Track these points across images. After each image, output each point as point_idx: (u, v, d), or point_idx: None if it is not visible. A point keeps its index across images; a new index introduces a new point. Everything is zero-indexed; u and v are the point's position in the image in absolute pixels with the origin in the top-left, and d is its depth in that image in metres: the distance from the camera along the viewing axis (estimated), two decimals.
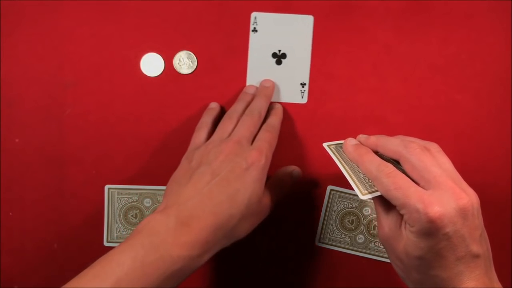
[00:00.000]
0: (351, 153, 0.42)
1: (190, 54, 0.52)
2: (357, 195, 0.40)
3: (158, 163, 0.53)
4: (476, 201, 0.37)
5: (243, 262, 0.54)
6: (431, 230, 0.35)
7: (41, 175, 0.53)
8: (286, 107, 0.52)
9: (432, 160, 0.38)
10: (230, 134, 0.46)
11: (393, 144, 0.40)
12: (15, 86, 0.52)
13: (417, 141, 0.40)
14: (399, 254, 0.38)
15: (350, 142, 0.43)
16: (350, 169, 0.42)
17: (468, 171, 0.53)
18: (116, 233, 0.54)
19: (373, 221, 0.53)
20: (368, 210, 0.53)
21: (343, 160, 0.43)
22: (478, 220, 0.36)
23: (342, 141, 0.45)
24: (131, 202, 0.53)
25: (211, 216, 0.40)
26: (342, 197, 0.53)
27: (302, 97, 0.52)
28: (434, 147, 0.40)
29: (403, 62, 0.52)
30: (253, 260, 0.54)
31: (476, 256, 0.36)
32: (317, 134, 0.52)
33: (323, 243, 0.54)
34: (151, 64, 0.52)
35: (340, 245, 0.54)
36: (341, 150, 0.45)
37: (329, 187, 0.53)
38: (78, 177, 0.53)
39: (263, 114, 0.48)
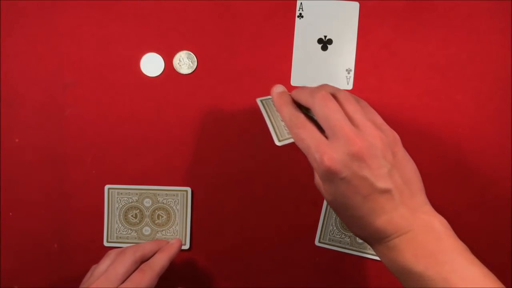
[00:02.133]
0: (275, 100, 0.43)
1: (190, 54, 0.52)
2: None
3: (158, 163, 0.53)
4: (381, 142, 0.38)
5: (243, 262, 0.54)
6: (330, 176, 0.37)
7: (41, 175, 0.53)
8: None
9: (334, 108, 0.39)
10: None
11: (304, 94, 0.41)
12: (15, 86, 0.52)
13: (325, 89, 0.41)
14: (325, 199, 0.41)
15: (277, 89, 0.44)
16: (274, 119, 0.43)
17: (468, 171, 0.53)
18: (116, 233, 0.54)
19: None
20: None
21: (270, 111, 0.44)
22: (384, 159, 0.38)
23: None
24: (131, 202, 0.53)
25: None
26: None
27: (348, 83, 0.52)
28: (342, 93, 0.40)
29: (403, 62, 0.52)
30: (253, 260, 0.54)
31: (385, 191, 0.37)
32: None
33: (323, 243, 0.54)
34: (151, 64, 0.52)
35: (340, 245, 0.54)
36: (271, 103, 0.45)
37: None
38: (78, 177, 0.53)
39: (158, 270, 0.46)
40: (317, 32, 0.52)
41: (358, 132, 0.38)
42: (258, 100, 0.45)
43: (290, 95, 0.43)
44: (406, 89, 0.52)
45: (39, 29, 0.52)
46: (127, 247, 0.47)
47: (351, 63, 0.52)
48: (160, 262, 0.46)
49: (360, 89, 0.52)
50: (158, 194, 0.53)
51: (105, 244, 0.54)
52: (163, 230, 0.54)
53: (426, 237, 0.37)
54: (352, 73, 0.52)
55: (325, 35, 0.52)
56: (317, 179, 0.40)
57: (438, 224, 0.38)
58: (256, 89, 0.52)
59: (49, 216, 0.53)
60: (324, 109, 0.39)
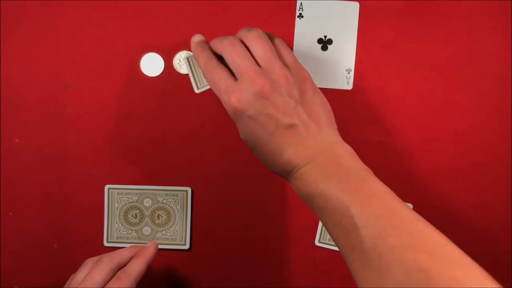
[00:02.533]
0: (192, 49, 0.45)
1: (190, 54, 0.52)
2: None
3: (158, 163, 0.53)
4: (285, 80, 0.40)
5: (243, 262, 0.54)
6: (238, 116, 0.40)
7: (41, 175, 0.53)
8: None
9: (239, 51, 0.41)
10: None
11: (216, 42, 0.43)
12: (15, 86, 0.52)
13: (237, 34, 0.43)
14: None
15: (195, 38, 0.46)
16: (195, 69, 0.46)
17: (468, 171, 0.53)
18: (116, 233, 0.54)
19: None
20: None
21: (193, 64, 0.47)
22: (289, 96, 0.40)
23: None
24: (131, 202, 0.53)
25: None
26: None
27: (348, 83, 0.52)
28: (251, 34, 0.42)
29: (403, 62, 0.52)
30: (253, 260, 0.54)
31: (290, 126, 0.40)
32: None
33: (323, 243, 0.54)
34: (151, 64, 0.52)
35: None
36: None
37: None
38: (78, 177, 0.53)
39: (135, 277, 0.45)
40: (317, 32, 0.52)
41: (262, 72, 0.40)
42: (184, 58, 0.47)
43: (208, 44, 0.45)
44: (406, 89, 0.52)
45: (39, 29, 0.52)
46: (103, 255, 0.46)
47: (351, 63, 0.52)
48: (136, 267, 0.46)
49: (360, 89, 0.52)
50: (158, 194, 0.53)
51: (105, 244, 0.54)
52: (163, 230, 0.54)
53: (327, 162, 0.39)
54: (352, 73, 0.52)
55: (325, 35, 0.52)
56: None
57: (340, 150, 0.40)
58: None
59: (49, 216, 0.53)
60: (231, 53, 0.41)
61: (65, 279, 0.48)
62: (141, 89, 0.52)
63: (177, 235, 0.54)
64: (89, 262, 0.47)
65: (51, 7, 0.51)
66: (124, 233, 0.54)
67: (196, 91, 0.46)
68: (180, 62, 0.52)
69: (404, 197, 0.53)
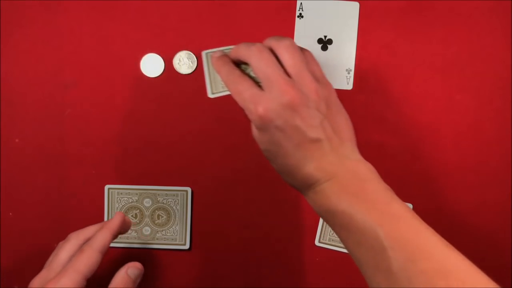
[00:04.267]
0: (214, 64, 0.44)
1: (190, 54, 0.52)
2: None
3: (158, 163, 0.53)
4: (315, 94, 0.39)
5: (243, 262, 0.54)
6: (264, 125, 0.39)
7: (41, 175, 0.53)
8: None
9: (269, 59, 0.40)
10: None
11: (241, 48, 0.42)
12: (15, 86, 0.52)
13: (265, 41, 0.42)
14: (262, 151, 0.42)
15: (216, 54, 0.45)
16: (212, 73, 0.45)
17: (468, 171, 0.53)
18: None
19: None
20: None
21: (211, 68, 0.45)
22: (317, 110, 0.39)
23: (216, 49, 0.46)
24: (131, 202, 0.53)
25: None
26: None
27: (348, 83, 0.52)
28: (282, 43, 0.41)
29: (403, 62, 0.52)
30: (253, 260, 0.54)
31: (316, 140, 0.39)
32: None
33: (323, 243, 0.54)
34: (151, 64, 0.52)
35: (340, 245, 0.54)
36: None
37: None
38: (78, 177, 0.53)
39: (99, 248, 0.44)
40: (317, 32, 0.52)
41: (292, 82, 0.39)
42: (203, 53, 0.46)
43: (229, 56, 0.44)
44: (406, 89, 0.52)
45: (39, 29, 0.52)
46: (71, 234, 0.46)
47: (351, 63, 0.52)
48: (99, 238, 0.44)
49: (360, 89, 0.52)
50: (158, 194, 0.53)
51: None
52: (163, 230, 0.54)
53: (351, 180, 0.39)
54: (352, 73, 0.52)
55: (325, 35, 0.52)
56: (254, 131, 0.41)
57: (363, 169, 0.40)
58: None
59: (49, 216, 0.53)
60: (260, 61, 0.40)
61: None
62: (141, 90, 0.52)
63: (177, 235, 0.54)
64: (59, 244, 0.46)
65: (51, 7, 0.51)
66: None
67: (210, 95, 0.44)
68: (180, 62, 0.52)
69: (404, 197, 0.52)
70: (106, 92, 0.52)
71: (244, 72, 0.42)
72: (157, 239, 0.54)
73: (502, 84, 0.52)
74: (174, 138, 0.53)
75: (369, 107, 0.52)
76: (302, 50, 0.42)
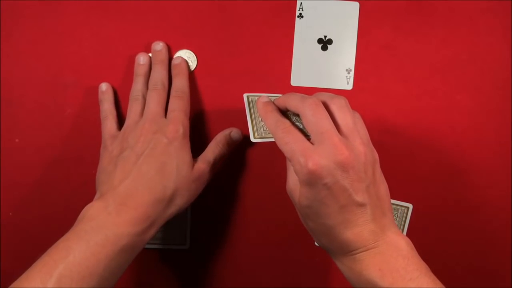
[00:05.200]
0: (260, 110, 0.44)
1: (190, 54, 0.52)
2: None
3: None
4: (365, 157, 0.39)
5: (243, 262, 0.54)
6: (312, 181, 0.38)
7: (41, 175, 0.53)
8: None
9: (323, 115, 0.39)
10: (142, 115, 0.48)
11: (294, 99, 0.42)
12: (15, 86, 0.52)
13: (317, 96, 0.41)
14: (297, 204, 0.42)
15: (262, 99, 0.44)
16: (255, 116, 0.45)
17: (468, 171, 0.53)
18: None
19: None
20: None
21: (253, 108, 0.45)
22: (365, 174, 0.39)
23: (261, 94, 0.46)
24: None
25: (146, 192, 0.43)
26: None
27: (348, 83, 0.52)
28: (337, 102, 0.41)
29: (403, 62, 0.52)
30: (253, 260, 0.54)
31: (361, 205, 0.38)
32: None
33: None
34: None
35: None
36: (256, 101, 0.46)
37: None
38: (78, 177, 0.53)
39: (166, 82, 0.50)
40: (317, 32, 0.52)
41: (346, 142, 0.39)
42: (244, 96, 0.46)
43: (275, 104, 0.44)
44: (406, 89, 0.52)
45: (39, 29, 0.52)
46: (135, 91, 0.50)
47: (351, 63, 0.52)
48: (184, 85, 0.50)
49: (360, 89, 0.52)
50: None
51: None
52: (163, 230, 0.54)
53: (392, 254, 0.39)
54: (352, 73, 0.52)
55: (325, 35, 0.52)
56: (292, 185, 0.41)
57: (404, 244, 0.39)
58: (256, 89, 0.52)
59: (49, 216, 0.53)
60: (314, 116, 0.39)
61: None
62: None
63: (177, 235, 0.54)
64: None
65: (51, 7, 0.51)
66: None
67: (253, 140, 0.44)
68: None
69: (404, 197, 0.53)
70: None
71: (293, 122, 0.41)
72: (156, 239, 0.53)
73: (502, 84, 0.52)
74: None
75: (369, 107, 0.52)
76: (352, 111, 0.41)
